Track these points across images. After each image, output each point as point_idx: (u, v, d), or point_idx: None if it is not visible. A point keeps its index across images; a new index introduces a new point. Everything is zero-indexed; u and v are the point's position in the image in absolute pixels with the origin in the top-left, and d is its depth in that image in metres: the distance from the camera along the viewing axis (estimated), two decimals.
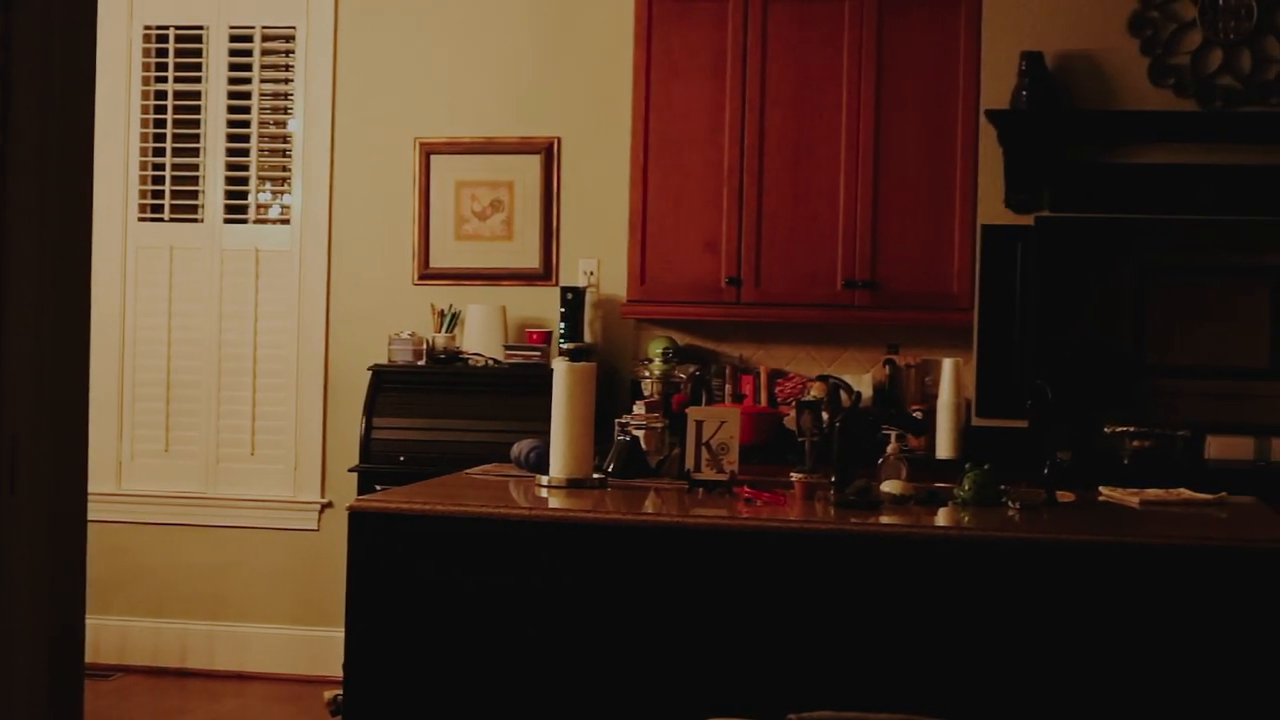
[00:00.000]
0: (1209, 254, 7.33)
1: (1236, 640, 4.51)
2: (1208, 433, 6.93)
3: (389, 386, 7.50)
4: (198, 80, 8.15)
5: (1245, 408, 7.21)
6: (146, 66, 8.18)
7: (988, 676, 4.61)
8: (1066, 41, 7.04)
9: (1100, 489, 5.59)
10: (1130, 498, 5.41)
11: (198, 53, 8.14)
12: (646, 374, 7.26)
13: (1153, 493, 5.48)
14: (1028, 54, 6.94)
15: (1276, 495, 5.69)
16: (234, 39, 8.11)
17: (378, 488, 6.68)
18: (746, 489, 5.18)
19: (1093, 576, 4.58)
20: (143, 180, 8.18)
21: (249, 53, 8.11)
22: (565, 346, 7.34)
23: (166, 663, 8.08)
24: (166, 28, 8.17)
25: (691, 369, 7.38)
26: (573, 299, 7.53)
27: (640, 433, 5.67)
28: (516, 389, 7.31)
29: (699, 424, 5.35)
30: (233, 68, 8.12)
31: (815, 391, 7.04)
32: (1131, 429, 6.84)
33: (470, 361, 7.54)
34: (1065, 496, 5.33)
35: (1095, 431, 6.94)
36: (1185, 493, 5.52)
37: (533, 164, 7.82)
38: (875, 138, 7.21)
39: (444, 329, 7.64)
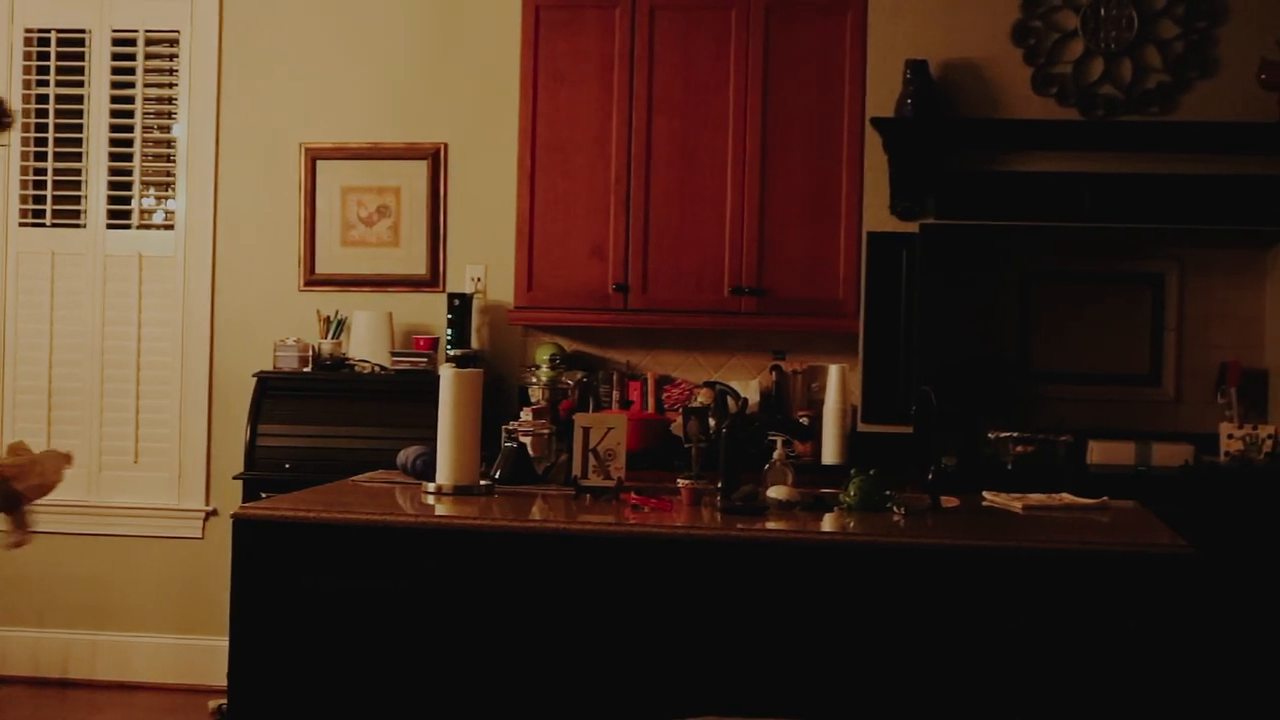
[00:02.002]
0: (1091, 261, 7.42)
1: (1116, 641, 4.56)
2: (1090, 438, 7.01)
3: (274, 393, 7.45)
4: (80, 84, 8.05)
5: (1126, 413, 7.31)
6: (28, 70, 8.07)
7: (872, 680, 4.64)
8: (951, 50, 7.10)
9: (984, 494, 5.64)
10: (1013, 503, 5.45)
11: (80, 56, 8.05)
12: (534, 380, 7.25)
13: (1035, 498, 5.53)
14: (912, 62, 6.99)
15: (1157, 499, 5.75)
16: (117, 42, 8.03)
17: (263, 495, 6.62)
18: (633, 495, 5.19)
19: (976, 581, 4.62)
20: (24, 185, 8.07)
21: (132, 56, 8.03)
22: (452, 353, 7.31)
23: (48, 673, 7.98)
24: (48, 30, 8.06)
25: (579, 375, 7.38)
26: (460, 305, 7.51)
27: (527, 439, 5.67)
28: (403, 396, 7.28)
29: (586, 430, 5.35)
30: (115, 71, 8.03)
31: (702, 398, 7.06)
32: (1015, 434, 6.90)
33: (356, 368, 7.50)
34: (949, 501, 5.37)
35: (979, 437, 6.99)
36: (1067, 497, 5.58)
37: (419, 170, 7.79)
38: (762, 145, 7.23)
39: (330, 335, 7.59)
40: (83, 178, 8.05)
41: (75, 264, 8.04)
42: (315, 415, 7.35)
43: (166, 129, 8.07)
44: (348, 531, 4.85)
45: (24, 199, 8.08)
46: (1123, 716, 4.56)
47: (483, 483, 5.38)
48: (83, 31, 8.05)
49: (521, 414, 5.92)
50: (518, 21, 7.43)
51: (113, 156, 8.04)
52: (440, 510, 5.11)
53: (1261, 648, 6.50)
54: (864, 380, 7.11)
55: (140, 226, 8.05)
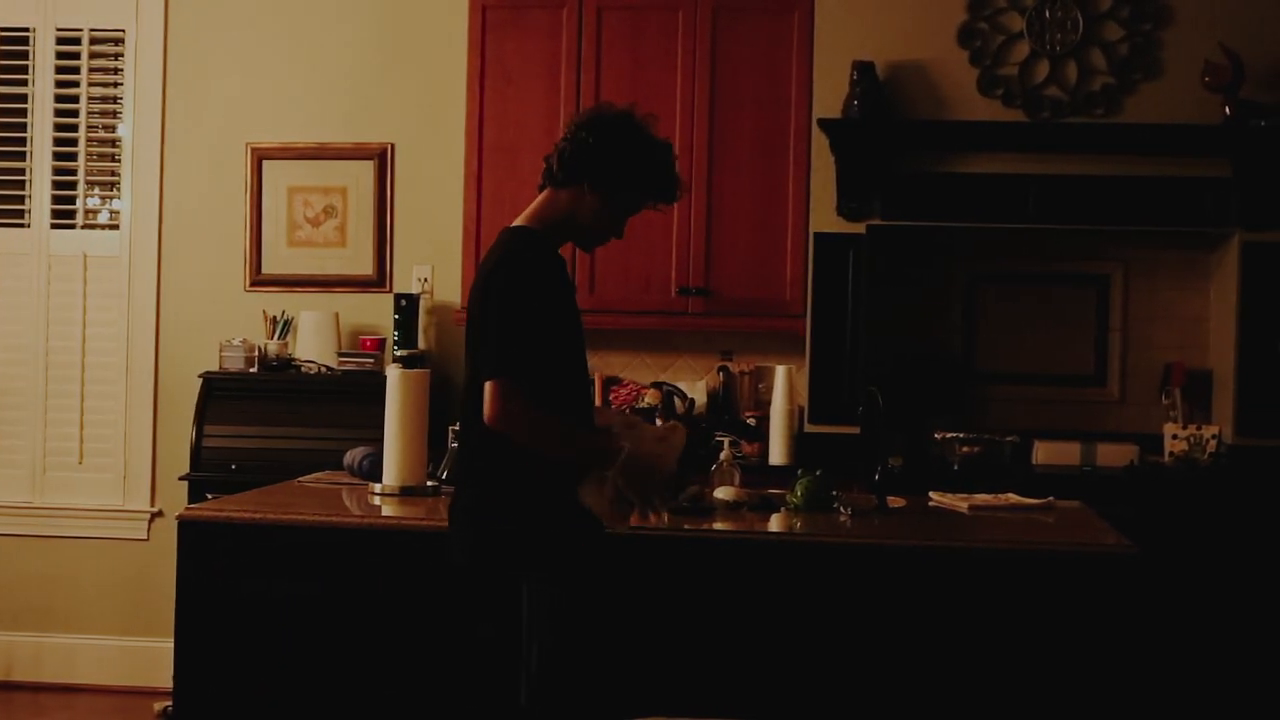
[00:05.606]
0: (1036, 262, 7.45)
1: (1061, 641, 4.58)
2: (1035, 438, 7.04)
3: (220, 394, 7.41)
4: (24, 83, 8.00)
5: (1071, 413, 7.34)
6: None
7: (819, 679, 4.65)
8: (898, 52, 7.11)
9: (930, 494, 5.66)
10: (960, 503, 5.48)
11: (24, 54, 7.99)
12: None
13: (981, 498, 5.56)
14: (859, 64, 7.00)
15: (1102, 500, 5.79)
16: (61, 41, 7.97)
17: (209, 496, 6.58)
18: None
19: (922, 580, 4.64)
20: None
21: (77, 55, 7.97)
22: (399, 354, 7.29)
23: None
24: None
25: None
26: (407, 306, 7.49)
27: None
28: (350, 396, 7.25)
29: None
30: (60, 70, 7.97)
31: (650, 398, 7.08)
32: (961, 435, 6.93)
33: (303, 369, 7.47)
34: (896, 502, 5.40)
35: (926, 437, 7.02)
36: (1013, 497, 5.61)
37: (366, 170, 7.76)
38: (709, 146, 7.23)
39: (276, 336, 7.56)
40: (27, 177, 8.00)
41: (19, 264, 7.99)
42: (261, 416, 7.32)
43: (111, 128, 8.03)
44: (294, 533, 4.83)
45: None
46: (1068, 713, 4.59)
47: (430, 483, 5.37)
48: (27, 30, 7.99)
49: None
50: (464, 22, 7.41)
51: (57, 156, 7.99)
52: (387, 511, 5.11)
53: (1202, 646, 6.54)
54: (811, 381, 7.12)
55: (85, 226, 8.00)
